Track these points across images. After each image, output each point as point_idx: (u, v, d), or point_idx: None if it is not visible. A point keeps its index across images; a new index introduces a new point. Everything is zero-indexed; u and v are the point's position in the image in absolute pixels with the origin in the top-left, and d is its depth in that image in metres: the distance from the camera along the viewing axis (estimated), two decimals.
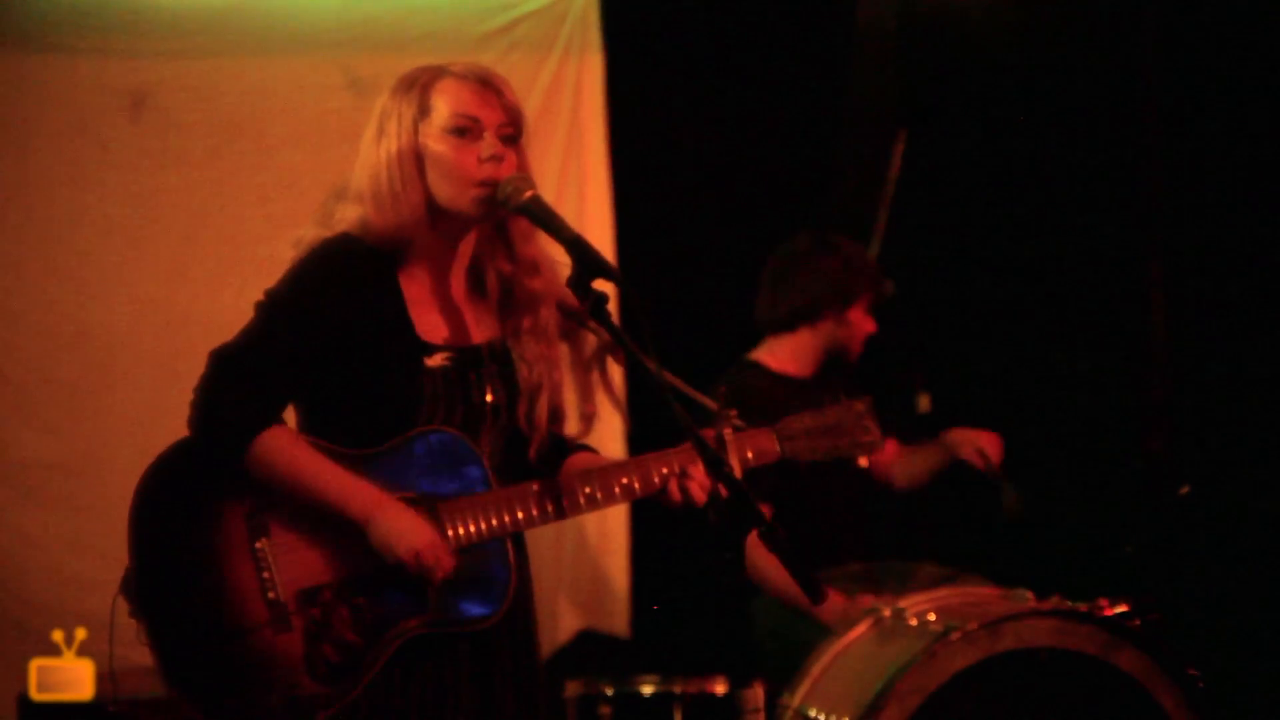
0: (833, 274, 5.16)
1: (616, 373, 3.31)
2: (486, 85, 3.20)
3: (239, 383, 3.06)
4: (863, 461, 5.06)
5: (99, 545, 5.34)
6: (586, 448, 3.39)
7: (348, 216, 3.18)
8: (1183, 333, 6.04)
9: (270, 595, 3.04)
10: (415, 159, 3.16)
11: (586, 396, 3.31)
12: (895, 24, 6.57)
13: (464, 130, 3.16)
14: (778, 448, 3.34)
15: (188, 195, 5.59)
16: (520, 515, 3.15)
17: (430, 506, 3.13)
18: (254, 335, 3.11)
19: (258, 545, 3.06)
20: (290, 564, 3.06)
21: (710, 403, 3.35)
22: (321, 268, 3.14)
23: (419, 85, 3.20)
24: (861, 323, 5.22)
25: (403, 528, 3.05)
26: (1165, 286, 6.10)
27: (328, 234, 3.18)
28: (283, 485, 3.06)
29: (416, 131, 3.17)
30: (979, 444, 5.10)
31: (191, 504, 3.08)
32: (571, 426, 3.33)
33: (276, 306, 3.12)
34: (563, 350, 3.31)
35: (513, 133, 3.21)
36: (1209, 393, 5.96)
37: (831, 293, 5.16)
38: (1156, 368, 6.09)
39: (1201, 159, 5.99)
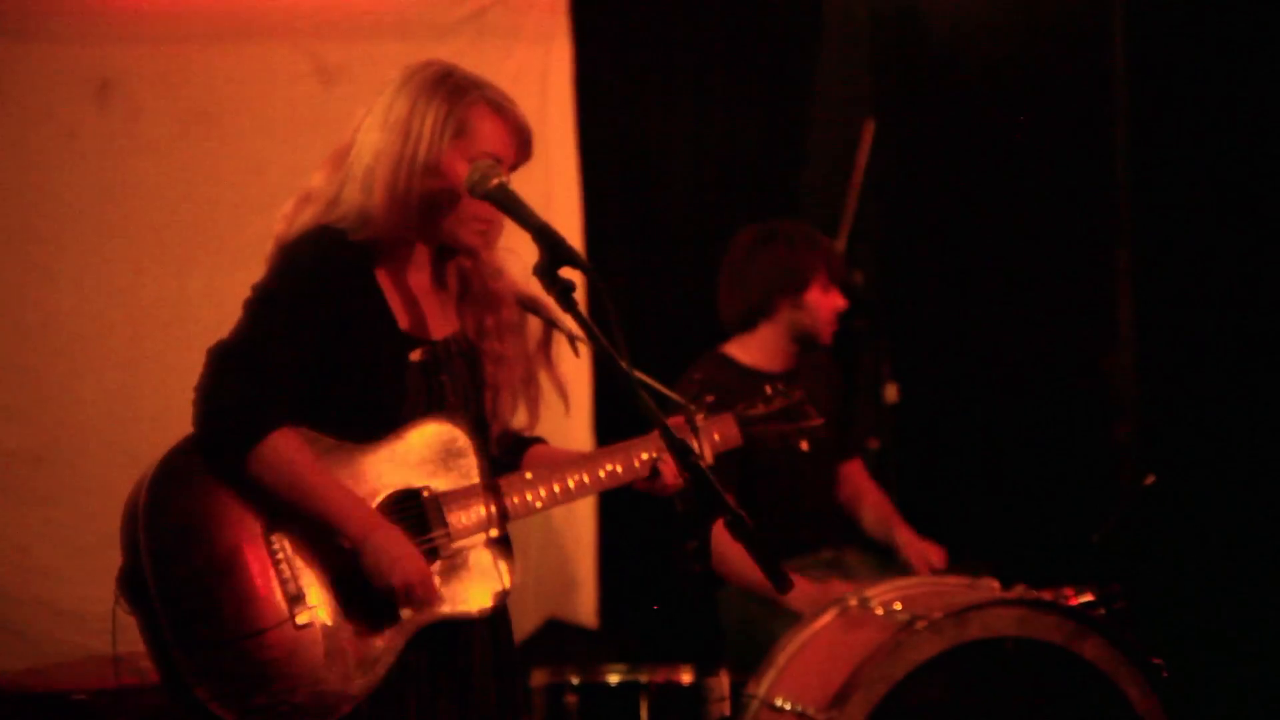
0: (778, 263, 5.11)
1: (560, 360, 3.38)
2: (521, 130, 3.24)
3: (246, 380, 3.03)
4: (804, 445, 5.05)
5: (65, 534, 5.33)
6: (539, 440, 3.44)
7: (354, 200, 3.16)
8: (1150, 320, 6.06)
9: (289, 590, 3.03)
10: (440, 175, 3.16)
11: (531, 381, 3.34)
12: (865, 12, 6.58)
13: None
14: (739, 434, 3.48)
15: (155, 182, 5.56)
16: (518, 502, 3.21)
17: (434, 500, 3.16)
18: (252, 331, 3.08)
19: (272, 539, 3.05)
20: (306, 559, 3.06)
21: (675, 396, 3.45)
22: (309, 264, 3.13)
23: (461, 101, 3.19)
24: (821, 302, 5.14)
25: (395, 555, 3.05)
26: (1132, 274, 6.12)
27: (327, 218, 3.16)
28: (282, 490, 3.04)
29: (449, 149, 3.17)
30: (927, 554, 5.12)
31: (202, 502, 3.04)
32: (520, 417, 3.36)
33: (271, 302, 3.10)
34: (523, 344, 3.35)
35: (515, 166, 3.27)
36: (1176, 381, 5.98)
37: (780, 282, 5.11)
38: (1123, 356, 6.11)
39: (1169, 146, 6.01)
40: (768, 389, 3.58)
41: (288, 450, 3.04)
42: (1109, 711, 4.22)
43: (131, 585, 3.02)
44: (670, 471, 3.26)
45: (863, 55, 6.61)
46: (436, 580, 3.13)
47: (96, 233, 5.51)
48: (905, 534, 5.21)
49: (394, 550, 3.06)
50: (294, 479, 3.04)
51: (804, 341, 5.15)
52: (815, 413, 3.63)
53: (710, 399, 3.48)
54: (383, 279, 3.20)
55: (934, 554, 5.12)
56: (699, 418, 3.39)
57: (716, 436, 3.45)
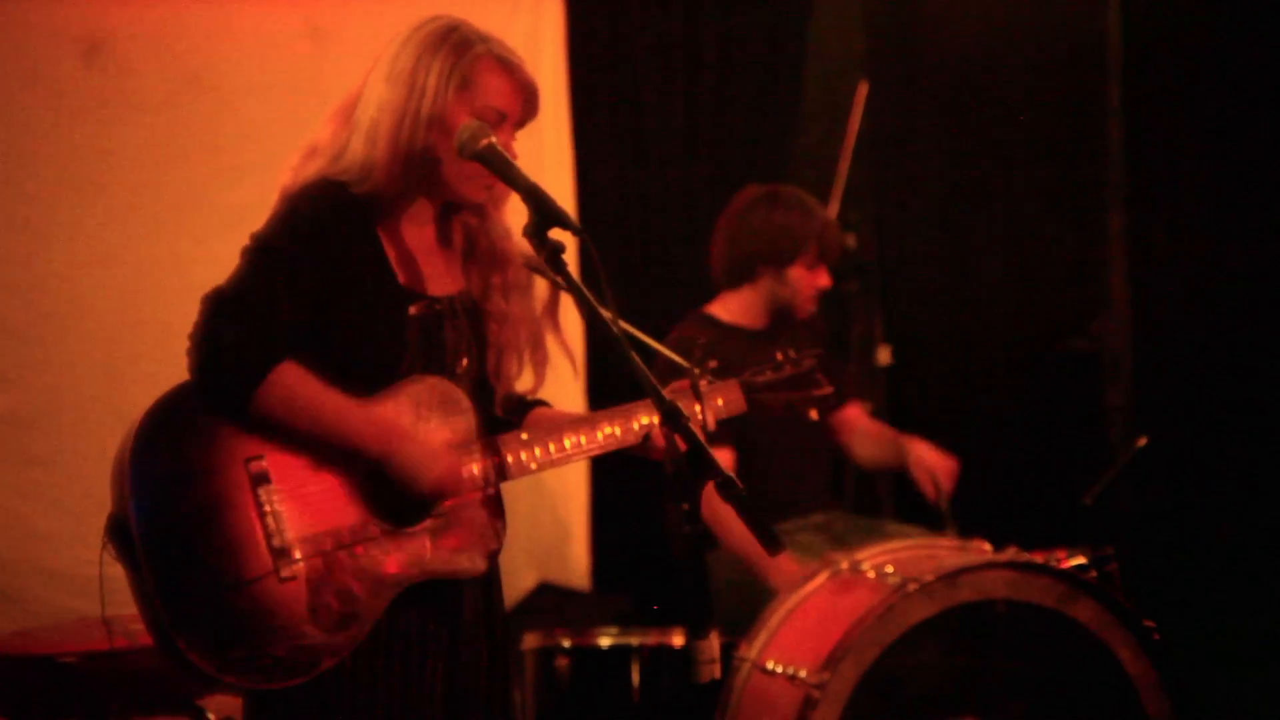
0: (767, 231, 5.08)
1: (566, 322, 3.36)
2: (526, 86, 3.22)
3: (241, 325, 3.00)
4: (813, 414, 5.05)
5: (53, 496, 5.33)
6: (542, 403, 3.41)
7: (358, 153, 3.15)
8: (1142, 283, 6.05)
9: (275, 543, 3.01)
10: (444, 128, 3.14)
11: (537, 345, 3.32)
12: None
13: (495, 122, 3.17)
14: (744, 400, 3.46)
15: (143, 144, 5.53)
16: (513, 461, 3.19)
17: None
18: (249, 278, 3.05)
19: (260, 491, 3.03)
20: (292, 511, 3.04)
21: (680, 360, 3.43)
22: (308, 214, 3.10)
23: (467, 55, 3.16)
24: (804, 279, 5.09)
25: (420, 460, 3.07)
26: (1124, 236, 6.11)
27: (331, 170, 3.15)
28: (297, 422, 3.03)
29: (453, 102, 3.15)
30: (935, 471, 4.96)
31: (190, 452, 3.02)
32: (525, 379, 3.34)
33: (269, 251, 3.07)
34: (529, 305, 3.33)
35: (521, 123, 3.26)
36: (1167, 344, 5.98)
37: (765, 252, 5.06)
38: (1115, 318, 6.10)
39: (1163, 107, 6.00)
40: (778, 355, 3.54)
41: (293, 382, 3.03)
42: (1101, 674, 4.23)
43: (119, 533, 3.01)
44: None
45: (855, 16, 6.59)
46: (428, 540, 3.12)
47: (86, 195, 5.49)
48: (917, 448, 5.05)
49: (418, 455, 3.07)
50: (305, 408, 3.03)
51: (781, 311, 5.12)
52: (826, 381, 3.60)
53: (714, 364, 3.48)
54: (383, 233, 3.18)
55: (943, 475, 4.95)
56: (703, 382, 3.38)
57: (720, 402, 3.43)
